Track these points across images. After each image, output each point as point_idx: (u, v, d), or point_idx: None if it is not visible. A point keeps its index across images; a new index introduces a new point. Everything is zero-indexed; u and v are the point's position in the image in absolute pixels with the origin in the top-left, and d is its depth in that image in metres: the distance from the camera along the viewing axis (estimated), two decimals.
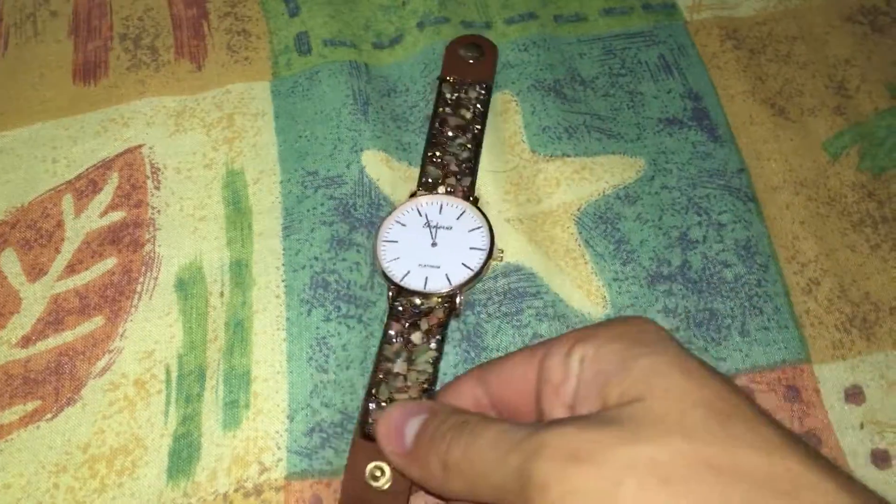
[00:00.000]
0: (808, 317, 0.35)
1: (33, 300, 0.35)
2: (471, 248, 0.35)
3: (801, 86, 0.42)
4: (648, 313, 0.35)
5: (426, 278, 0.34)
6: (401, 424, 0.28)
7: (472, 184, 0.38)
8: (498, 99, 0.41)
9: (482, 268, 0.35)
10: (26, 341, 0.34)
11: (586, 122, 0.40)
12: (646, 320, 0.27)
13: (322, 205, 0.37)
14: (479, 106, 0.39)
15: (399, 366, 0.33)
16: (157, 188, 0.37)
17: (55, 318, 0.35)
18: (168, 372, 0.34)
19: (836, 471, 0.22)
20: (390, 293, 0.34)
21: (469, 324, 0.34)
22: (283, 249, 0.36)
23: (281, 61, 0.41)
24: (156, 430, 0.32)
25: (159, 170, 0.38)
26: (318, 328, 0.34)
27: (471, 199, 0.37)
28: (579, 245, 0.37)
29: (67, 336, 0.34)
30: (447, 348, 0.34)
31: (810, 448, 0.23)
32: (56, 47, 0.41)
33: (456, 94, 0.40)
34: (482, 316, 0.35)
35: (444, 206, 0.37)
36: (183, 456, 0.32)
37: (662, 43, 0.43)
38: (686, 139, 0.40)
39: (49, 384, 0.33)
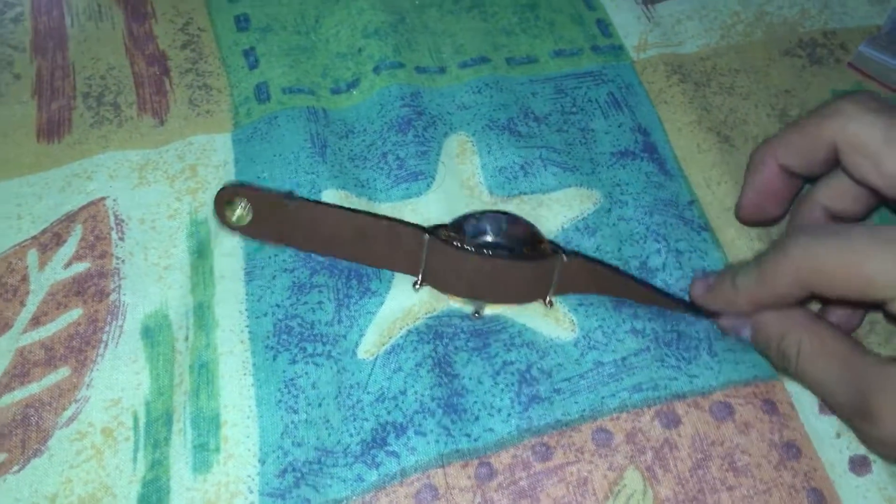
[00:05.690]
0: None
1: None
2: None
3: (745, 115, 0.44)
4: (617, 334, 0.35)
5: None
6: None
7: None
8: (454, 140, 0.42)
9: None
10: None
11: (541, 155, 0.41)
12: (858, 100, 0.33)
13: (283, 251, 0.37)
14: None
15: None
16: (122, 239, 0.38)
17: (21, 371, 0.34)
18: (136, 418, 0.33)
19: None
20: None
21: (439, 353, 0.35)
22: (247, 294, 0.36)
23: (241, 111, 0.42)
24: (124, 478, 0.32)
25: (123, 221, 0.38)
26: (284, 371, 0.34)
27: None
28: None
29: (33, 388, 0.34)
30: (422, 372, 0.34)
31: None
32: (19, 108, 0.42)
33: None
34: (450, 348, 0.35)
35: None
36: (152, 501, 0.31)
37: (611, 81, 0.45)
38: (639, 170, 0.41)
39: (16, 436, 0.33)
